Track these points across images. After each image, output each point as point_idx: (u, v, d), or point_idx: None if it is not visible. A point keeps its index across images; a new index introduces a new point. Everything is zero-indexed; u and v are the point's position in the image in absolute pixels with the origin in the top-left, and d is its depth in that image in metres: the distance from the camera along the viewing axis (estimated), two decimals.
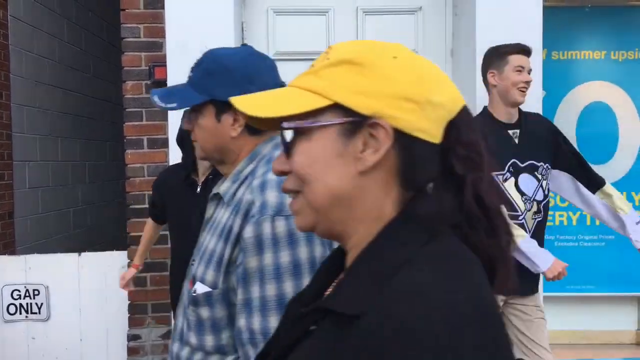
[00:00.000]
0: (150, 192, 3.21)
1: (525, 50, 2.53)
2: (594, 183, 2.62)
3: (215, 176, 2.42)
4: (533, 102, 2.99)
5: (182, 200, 2.49)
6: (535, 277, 2.55)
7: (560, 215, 3.57)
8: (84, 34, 5.49)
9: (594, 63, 3.61)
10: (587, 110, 3.60)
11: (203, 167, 2.51)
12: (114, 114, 5.98)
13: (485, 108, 2.61)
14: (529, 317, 2.56)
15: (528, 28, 3.06)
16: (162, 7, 3.11)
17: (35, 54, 4.62)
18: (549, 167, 2.57)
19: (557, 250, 3.49)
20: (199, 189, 2.49)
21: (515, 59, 2.51)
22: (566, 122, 3.57)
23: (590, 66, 3.61)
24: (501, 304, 2.58)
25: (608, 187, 2.63)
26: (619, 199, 2.60)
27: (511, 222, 2.34)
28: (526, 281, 2.50)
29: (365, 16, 3.35)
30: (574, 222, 3.60)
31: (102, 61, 5.87)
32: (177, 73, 3.04)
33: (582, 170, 2.63)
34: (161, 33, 3.15)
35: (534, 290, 2.59)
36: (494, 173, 2.47)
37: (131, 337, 3.24)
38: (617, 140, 3.60)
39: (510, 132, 2.54)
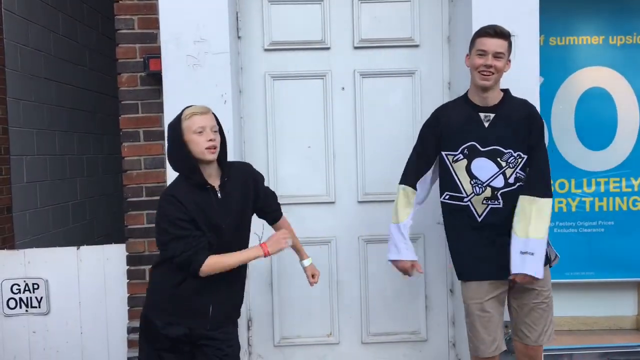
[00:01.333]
0: (147, 185, 3.20)
1: (489, 33, 2.46)
2: (529, 187, 2.47)
3: (229, 179, 2.38)
4: (531, 88, 2.98)
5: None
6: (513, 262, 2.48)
7: (560, 202, 3.56)
8: (79, 26, 5.46)
9: (592, 48, 3.59)
10: (585, 96, 3.58)
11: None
12: (110, 107, 5.95)
13: (467, 91, 2.65)
14: (525, 301, 2.56)
15: (525, 13, 3.04)
16: None
17: (31, 47, 4.60)
18: (522, 155, 2.49)
19: (557, 236, 3.49)
20: (219, 194, 2.34)
21: (479, 42, 2.49)
22: (564, 108, 3.56)
23: (589, 51, 3.59)
24: (505, 289, 2.57)
25: (526, 202, 2.44)
26: (521, 222, 2.43)
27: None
28: (497, 266, 2.51)
29: (361, 4, 3.33)
30: (573, 209, 3.59)
31: (98, 54, 5.84)
32: (172, 64, 3.03)
33: (532, 170, 2.51)
34: (155, 24, 3.13)
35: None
36: (444, 152, 2.47)
37: (131, 330, 3.24)
38: (616, 125, 3.59)
39: (482, 114, 2.53)
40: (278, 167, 3.36)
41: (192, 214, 2.24)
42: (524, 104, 2.60)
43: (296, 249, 2.64)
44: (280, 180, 3.36)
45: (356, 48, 3.35)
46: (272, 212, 2.60)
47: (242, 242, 2.42)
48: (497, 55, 2.46)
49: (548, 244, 2.57)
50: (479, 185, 2.50)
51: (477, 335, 2.55)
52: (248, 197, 2.42)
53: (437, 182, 2.74)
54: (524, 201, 2.44)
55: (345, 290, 3.42)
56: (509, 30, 2.56)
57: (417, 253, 3.35)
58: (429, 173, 2.69)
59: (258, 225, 2.62)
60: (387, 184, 3.36)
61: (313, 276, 2.65)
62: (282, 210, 2.67)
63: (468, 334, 2.64)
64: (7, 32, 4.27)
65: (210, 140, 2.25)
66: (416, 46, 3.36)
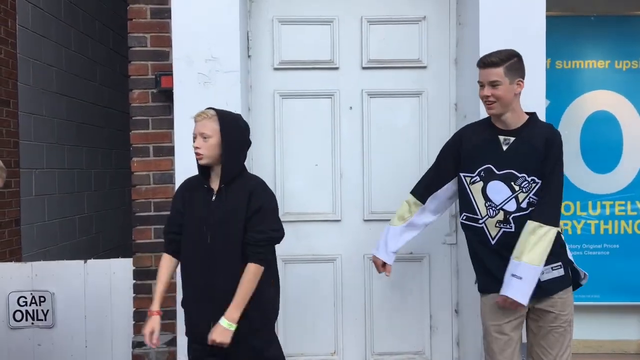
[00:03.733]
0: (156, 200, 3.23)
1: (479, 65, 2.50)
2: (537, 213, 2.44)
3: (227, 185, 2.42)
4: (537, 111, 2.98)
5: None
6: (539, 283, 2.44)
7: (565, 224, 3.57)
8: (90, 42, 5.54)
9: (598, 72, 3.62)
10: (591, 119, 3.61)
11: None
12: (120, 122, 6.03)
13: None
14: (543, 323, 2.51)
15: (532, 37, 3.07)
16: (169, 17, 3.14)
17: (43, 62, 4.67)
18: (536, 180, 2.47)
19: None
20: (214, 197, 2.42)
21: (478, 74, 2.53)
22: (570, 131, 3.59)
23: (595, 75, 3.62)
24: (525, 311, 2.54)
25: (530, 228, 2.41)
26: (521, 245, 2.40)
27: None
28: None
29: (369, 26, 3.38)
30: (579, 231, 3.60)
31: (108, 69, 5.92)
32: (183, 82, 3.07)
33: (539, 202, 2.47)
34: (168, 42, 3.19)
35: (539, 295, 2.48)
36: (462, 174, 2.46)
37: (136, 344, 3.25)
38: (622, 149, 3.61)
39: (502, 137, 2.53)
40: (285, 184, 3.39)
41: (184, 206, 2.47)
42: (548, 128, 2.56)
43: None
44: (287, 197, 3.38)
45: (364, 68, 3.39)
46: (246, 242, 2.37)
47: (229, 254, 2.37)
48: (493, 84, 2.45)
49: (573, 263, 2.55)
50: (493, 208, 2.50)
51: (493, 357, 2.54)
52: (241, 210, 2.38)
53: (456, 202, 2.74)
54: (529, 225, 2.42)
55: (349, 309, 3.43)
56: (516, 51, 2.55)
57: (422, 273, 3.41)
58: (444, 191, 2.70)
59: None
60: (393, 203, 3.37)
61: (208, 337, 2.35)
62: (259, 258, 2.40)
63: (485, 355, 2.62)
64: (21, 47, 4.35)
65: (195, 147, 2.39)
66: (424, 67, 3.40)
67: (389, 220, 3.30)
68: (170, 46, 3.13)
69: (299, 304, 3.39)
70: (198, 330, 2.42)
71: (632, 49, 3.61)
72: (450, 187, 2.70)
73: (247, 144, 2.52)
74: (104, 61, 5.84)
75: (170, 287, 3.19)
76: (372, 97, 3.39)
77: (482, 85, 2.51)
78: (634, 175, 3.60)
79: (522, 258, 2.38)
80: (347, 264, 3.41)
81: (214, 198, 2.42)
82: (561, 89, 3.58)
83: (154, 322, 2.46)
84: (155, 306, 2.48)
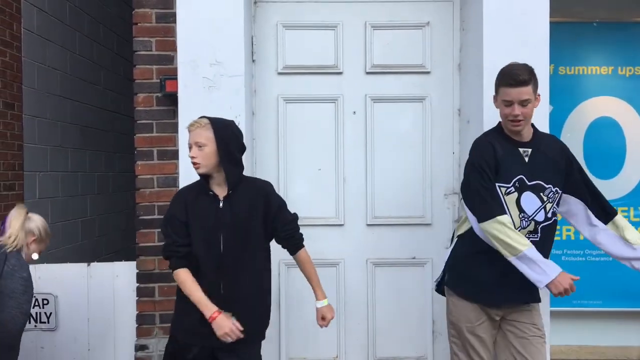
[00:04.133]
0: (160, 203, 3.24)
1: (511, 83, 2.41)
2: (606, 213, 2.58)
3: (235, 192, 2.41)
4: (540, 118, 3.00)
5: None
6: (531, 290, 2.48)
7: (568, 230, 3.58)
8: (95, 46, 5.57)
9: (601, 78, 3.63)
10: (594, 125, 3.62)
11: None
12: (123, 126, 6.04)
13: (499, 122, 2.61)
14: (524, 334, 2.53)
15: (535, 43, 3.08)
16: (174, 22, 3.15)
17: (47, 66, 4.69)
18: (559, 190, 2.53)
19: (565, 264, 3.48)
20: (221, 204, 2.41)
21: (503, 92, 2.44)
22: (573, 137, 3.59)
23: (598, 81, 3.64)
24: (498, 319, 2.58)
25: (619, 219, 2.58)
26: (632, 231, 2.56)
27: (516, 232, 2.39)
28: (518, 292, 2.49)
29: (373, 31, 3.39)
30: (582, 237, 3.58)
31: (112, 73, 5.95)
32: (188, 86, 3.09)
33: (593, 200, 2.59)
34: (173, 47, 3.20)
35: (528, 302, 2.55)
36: (498, 184, 2.43)
37: (139, 347, 3.26)
38: (625, 155, 3.62)
39: (521, 150, 2.52)
40: (289, 188, 3.40)
41: (188, 216, 2.38)
42: (554, 139, 2.64)
43: (312, 286, 2.55)
44: (290, 201, 3.36)
45: (368, 73, 3.41)
46: (285, 237, 2.49)
47: (246, 259, 2.39)
48: (523, 103, 2.43)
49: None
50: (526, 219, 2.48)
51: (470, 356, 2.59)
52: (256, 213, 2.40)
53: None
54: (618, 220, 2.57)
55: (352, 313, 3.43)
56: (520, 61, 2.55)
57: (425, 278, 3.41)
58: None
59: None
60: (396, 208, 3.39)
61: (323, 318, 2.52)
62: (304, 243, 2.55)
63: (457, 356, 2.64)
64: (26, 50, 4.37)
65: (190, 156, 2.38)
66: (427, 73, 3.41)
67: (391, 225, 3.35)
68: (175, 50, 3.15)
69: (301, 308, 3.39)
70: (210, 335, 2.37)
71: (635, 55, 3.62)
72: None
73: (243, 148, 2.49)
74: (108, 65, 5.86)
75: (173, 291, 3.20)
76: (376, 102, 3.41)
77: (509, 104, 2.44)
78: (637, 181, 3.61)
79: None
80: (350, 268, 3.41)
81: (221, 205, 2.40)
82: (564, 95, 3.59)
83: (225, 319, 2.32)
84: (214, 307, 2.33)
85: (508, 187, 2.49)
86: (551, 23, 3.09)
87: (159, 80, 3.21)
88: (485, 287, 2.53)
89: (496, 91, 2.52)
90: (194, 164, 2.38)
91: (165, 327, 3.26)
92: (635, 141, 3.61)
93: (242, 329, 2.33)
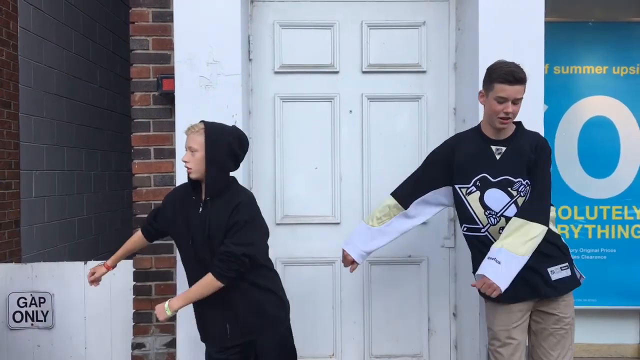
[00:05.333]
0: (156, 202, 3.24)
1: (509, 80, 2.40)
2: (524, 210, 2.44)
3: (212, 198, 2.41)
4: (535, 116, 3.03)
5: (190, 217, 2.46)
6: (551, 282, 2.47)
7: (562, 229, 3.60)
8: (91, 44, 5.56)
9: (596, 78, 3.66)
10: (588, 124, 3.64)
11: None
12: (119, 124, 6.04)
13: (479, 123, 2.64)
14: (547, 325, 2.53)
15: (530, 43, 3.10)
16: (171, 20, 3.16)
17: (44, 64, 4.69)
18: (529, 183, 2.49)
19: None
20: (200, 209, 2.42)
21: (499, 89, 2.42)
22: (568, 136, 3.62)
23: (592, 81, 3.66)
24: (529, 313, 2.56)
25: (522, 224, 2.39)
26: (506, 235, 2.40)
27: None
28: (536, 285, 2.48)
29: (370, 30, 3.40)
30: (576, 236, 3.63)
31: (109, 72, 5.94)
32: (185, 85, 3.10)
33: (531, 194, 2.47)
34: (169, 45, 3.21)
35: (552, 294, 2.50)
36: (457, 185, 2.45)
37: (135, 346, 3.27)
38: (619, 154, 3.64)
39: (494, 147, 2.54)
40: (285, 187, 3.41)
41: (174, 209, 2.51)
42: (536, 135, 2.58)
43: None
44: (287, 200, 3.40)
45: (364, 72, 3.42)
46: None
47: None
48: (515, 102, 2.44)
49: (573, 264, 2.56)
50: (494, 216, 2.50)
51: None
52: (222, 224, 2.36)
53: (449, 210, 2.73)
54: (514, 221, 2.41)
55: (348, 311, 3.44)
56: (515, 60, 2.54)
57: (421, 276, 3.43)
58: (429, 197, 2.71)
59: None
60: None
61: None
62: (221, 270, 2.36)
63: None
64: (22, 49, 4.37)
65: (183, 160, 2.42)
66: (423, 72, 3.42)
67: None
68: (172, 49, 3.16)
69: (298, 307, 3.39)
70: (212, 337, 2.49)
71: (630, 55, 3.65)
72: (434, 195, 2.71)
73: (234, 158, 2.43)
74: (105, 63, 5.86)
75: (170, 289, 3.23)
76: (372, 101, 3.42)
77: (501, 101, 2.43)
78: (631, 180, 3.63)
79: (503, 245, 2.37)
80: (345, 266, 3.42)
81: (200, 210, 2.42)
82: (559, 95, 3.61)
83: (98, 269, 2.78)
84: (110, 261, 2.80)
85: (468, 187, 2.55)
86: (546, 22, 3.11)
87: (155, 79, 3.22)
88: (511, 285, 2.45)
89: (487, 87, 2.49)
90: (186, 168, 2.41)
91: (161, 325, 3.27)
92: (629, 140, 3.63)
93: (95, 285, 2.79)
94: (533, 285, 2.48)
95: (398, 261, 3.43)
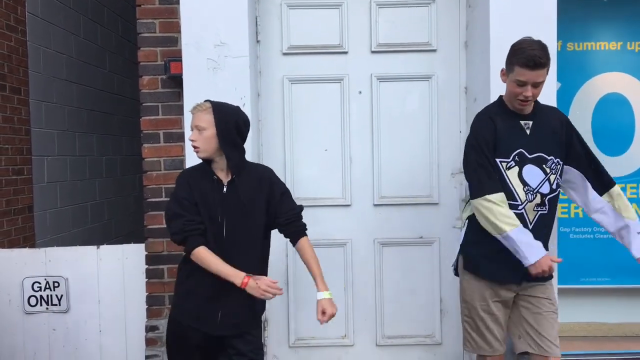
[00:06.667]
0: (167, 185, 3.24)
1: (529, 65, 2.35)
2: (602, 184, 2.58)
3: (239, 177, 2.39)
4: (548, 94, 2.97)
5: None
6: None
7: (576, 207, 3.56)
8: (99, 29, 5.55)
9: (610, 54, 3.58)
10: (603, 101, 3.58)
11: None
12: (129, 109, 6.05)
13: (500, 96, 2.60)
14: (539, 309, 2.55)
15: (543, 19, 3.04)
16: (177, 3, 3.13)
17: (53, 50, 4.68)
18: (560, 162, 2.53)
19: (572, 242, 3.50)
20: (225, 189, 2.38)
21: (519, 72, 2.38)
22: (582, 113, 3.56)
23: (606, 57, 3.58)
24: (512, 295, 2.59)
25: (616, 191, 2.58)
26: (626, 205, 2.57)
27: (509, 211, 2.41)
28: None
29: (379, 9, 3.36)
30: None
31: (117, 56, 5.93)
32: (192, 67, 3.08)
33: (592, 172, 2.59)
34: (176, 28, 3.18)
35: (545, 280, 2.54)
36: (498, 159, 2.41)
37: (149, 328, 3.30)
38: (633, 131, 3.58)
39: (522, 122, 2.52)
40: (295, 169, 3.40)
41: (195, 198, 2.35)
42: (555, 110, 2.62)
43: (313, 276, 2.43)
44: (297, 182, 3.39)
45: (373, 52, 3.38)
46: (285, 223, 2.43)
47: (247, 246, 2.38)
48: (536, 85, 2.40)
49: None
50: (531, 192, 2.49)
51: (483, 336, 2.60)
52: (260, 199, 2.39)
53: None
54: (614, 192, 2.57)
55: (360, 293, 3.45)
56: (530, 35, 2.48)
57: (432, 257, 3.42)
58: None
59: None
60: (403, 187, 3.39)
61: (323, 313, 2.35)
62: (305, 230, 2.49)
63: (470, 336, 2.65)
64: (31, 35, 4.37)
65: (190, 139, 2.36)
66: (433, 51, 3.38)
67: (398, 205, 3.35)
68: (179, 32, 3.13)
69: (309, 289, 3.39)
70: (207, 321, 2.40)
71: None
72: None
73: (241, 136, 2.40)
74: (114, 48, 5.85)
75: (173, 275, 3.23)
76: (382, 82, 3.38)
77: (523, 85, 2.39)
78: None
79: (634, 215, 2.56)
80: (357, 248, 3.42)
81: (225, 190, 2.38)
82: (572, 72, 3.54)
83: (254, 282, 2.30)
84: (242, 273, 2.30)
85: (508, 162, 2.50)
86: None
87: (163, 63, 3.20)
88: (502, 266, 2.51)
89: (508, 68, 2.45)
90: (193, 147, 2.36)
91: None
92: None
93: (276, 281, 2.36)
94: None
95: (410, 242, 3.42)
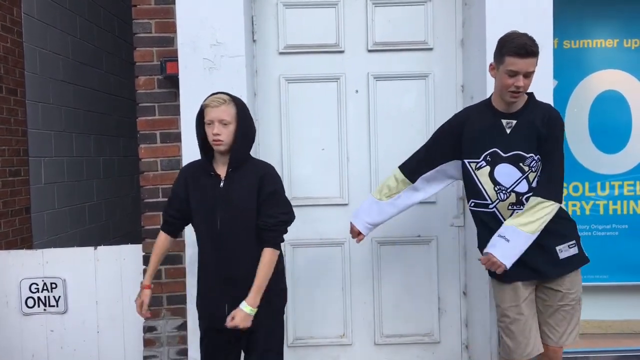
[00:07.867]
0: (164, 186, 3.24)
1: (520, 53, 2.33)
2: (538, 191, 2.43)
3: (234, 170, 2.41)
4: (545, 91, 2.98)
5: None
6: (558, 261, 2.47)
7: (574, 205, 3.56)
8: (96, 30, 5.54)
9: (607, 51, 3.58)
10: (599, 99, 3.58)
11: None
12: (126, 109, 6.04)
13: (490, 96, 2.59)
14: (552, 302, 2.52)
15: (539, 17, 3.04)
16: (173, 3, 3.13)
17: (49, 50, 4.67)
18: (540, 158, 2.46)
19: None
20: (222, 183, 2.41)
21: (510, 62, 2.35)
22: (578, 111, 3.56)
23: (603, 55, 3.58)
24: (533, 287, 2.54)
25: (535, 200, 2.39)
26: (519, 214, 2.41)
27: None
28: (542, 265, 2.47)
29: (375, 8, 3.35)
30: (587, 212, 3.59)
31: (114, 57, 5.92)
32: (189, 67, 3.07)
33: (542, 175, 2.45)
34: (172, 28, 3.18)
35: (557, 274, 2.49)
36: (467, 160, 2.43)
37: (147, 329, 3.29)
38: (630, 129, 3.58)
39: (504, 121, 2.49)
40: (292, 168, 3.40)
41: (186, 192, 2.46)
42: (548, 108, 2.51)
43: (251, 287, 2.37)
44: (294, 181, 3.39)
45: (370, 51, 3.37)
46: (261, 227, 2.39)
47: (241, 242, 2.39)
48: (527, 75, 2.38)
49: (579, 241, 2.54)
50: (503, 192, 2.47)
51: (514, 338, 2.52)
52: (252, 194, 2.39)
53: (458, 185, 2.72)
54: (531, 202, 2.40)
55: (358, 292, 3.44)
56: (526, 32, 2.46)
57: (430, 255, 3.42)
58: (437, 172, 2.69)
59: None
60: None
61: (233, 318, 2.34)
62: (276, 236, 2.44)
63: (503, 339, 2.60)
64: (27, 35, 4.35)
65: (215, 134, 2.34)
66: (430, 49, 3.38)
67: None
68: (175, 32, 3.13)
69: (307, 288, 3.41)
70: (215, 317, 2.43)
71: None
72: (443, 169, 2.68)
73: (255, 129, 2.51)
74: (110, 48, 5.83)
75: (180, 273, 3.24)
76: (378, 80, 3.38)
77: (513, 75, 2.37)
78: None
79: (513, 222, 2.39)
80: (355, 247, 3.41)
81: (222, 184, 2.40)
82: (569, 69, 3.54)
83: (144, 295, 2.58)
84: (147, 280, 2.60)
85: (478, 162, 2.51)
86: None
87: (159, 63, 3.20)
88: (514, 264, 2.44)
89: (498, 60, 2.43)
90: (217, 141, 2.34)
91: (172, 309, 3.29)
92: None
93: (146, 315, 2.58)
94: (538, 266, 2.46)
95: (407, 241, 3.42)
